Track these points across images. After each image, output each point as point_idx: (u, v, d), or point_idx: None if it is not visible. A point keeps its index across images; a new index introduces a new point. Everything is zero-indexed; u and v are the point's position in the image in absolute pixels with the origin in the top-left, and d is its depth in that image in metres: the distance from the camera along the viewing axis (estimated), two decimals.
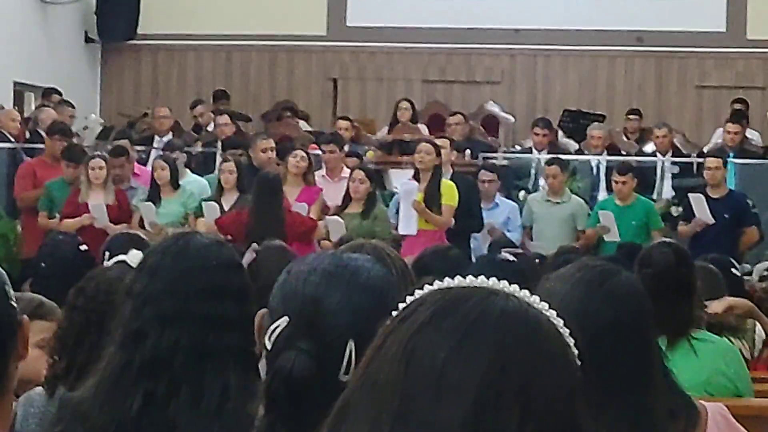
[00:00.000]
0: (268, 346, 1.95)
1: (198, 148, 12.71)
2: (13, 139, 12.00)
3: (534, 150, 12.48)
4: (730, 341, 4.65)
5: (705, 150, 12.69)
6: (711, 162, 10.49)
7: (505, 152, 12.86)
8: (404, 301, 1.34)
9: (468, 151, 11.77)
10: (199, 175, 11.06)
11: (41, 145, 11.38)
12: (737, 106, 13.76)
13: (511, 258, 4.89)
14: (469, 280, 1.33)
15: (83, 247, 6.07)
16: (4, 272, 1.91)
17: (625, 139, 13.59)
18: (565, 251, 6.55)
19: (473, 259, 8.19)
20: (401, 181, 10.56)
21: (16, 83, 14.29)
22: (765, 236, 10.44)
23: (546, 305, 1.31)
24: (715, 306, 4.42)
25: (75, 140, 11.65)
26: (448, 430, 1.22)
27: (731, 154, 11.48)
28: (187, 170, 10.96)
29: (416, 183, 9.55)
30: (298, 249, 6.52)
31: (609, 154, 12.34)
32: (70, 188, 10.19)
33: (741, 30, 15.04)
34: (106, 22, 15.60)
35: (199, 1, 15.88)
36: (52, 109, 12.66)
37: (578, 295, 2.38)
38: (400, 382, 1.25)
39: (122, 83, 16.25)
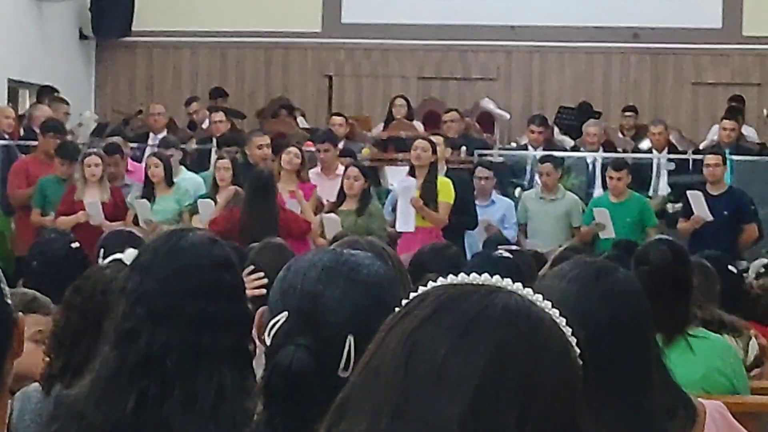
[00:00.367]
0: (268, 342, 1.94)
1: (193, 145, 12.70)
2: (7, 137, 11.99)
3: (530, 147, 12.48)
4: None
5: (701, 147, 12.70)
6: (710, 159, 10.48)
7: (500, 149, 12.86)
8: (405, 298, 1.33)
9: (463, 148, 11.77)
10: (194, 172, 11.05)
11: (35, 143, 11.36)
12: (733, 103, 13.76)
13: (506, 254, 4.89)
14: (472, 277, 1.32)
15: (75, 245, 6.05)
16: None
17: (620, 136, 13.59)
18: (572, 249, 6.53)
19: (468, 257, 8.20)
20: (397, 178, 10.56)
21: (10, 80, 14.27)
22: (765, 233, 10.43)
23: (549, 304, 1.31)
24: None
25: (69, 137, 11.64)
26: (447, 425, 1.21)
27: (727, 151, 11.48)
28: (182, 167, 10.95)
29: (413, 180, 9.55)
30: (292, 247, 6.50)
31: (605, 151, 12.34)
32: (65, 185, 10.17)
33: (737, 27, 15.04)
34: (101, 19, 15.58)
35: None
36: (47, 106, 12.64)
37: (575, 292, 2.37)
38: (400, 377, 1.24)
39: (117, 80, 16.23)
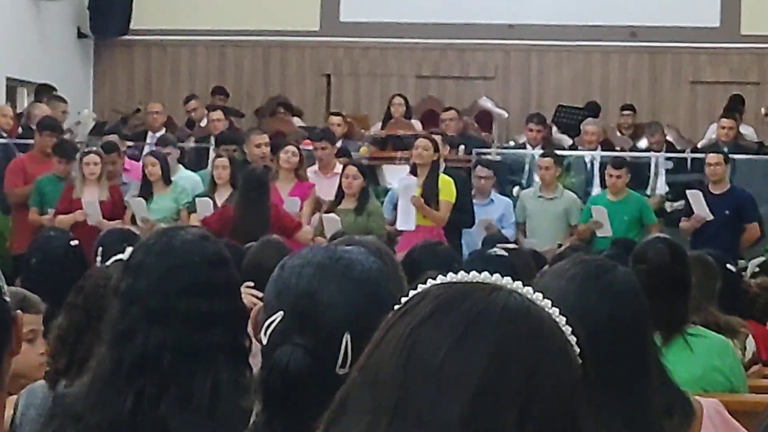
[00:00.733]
0: (264, 341, 1.94)
1: (191, 143, 12.70)
2: (5, 135, 11.98)
3: (528, 146, 12.48)
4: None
5: (699, 146, 12.69)
6: (712, 158, 10.46)
7: (498, 148, 12.85)
8: (402, 295, 1.33)
9: (461, 147, 11.77)
10: (192, 170, 11.05)
11: (33, 141, 11.34)
12: (732, 102, 13.76)
13: (502, 253, 4.89)
14: (472, 275, 1.32)
15: (74, 243, 6.04)
16: None
17: (619, 134, 13.59)
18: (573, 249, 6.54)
19: (465, 255, 8.19)
20: (395, 176, 10.56)
21: (8, 79, 14.26)
22: (765, 233, 10.41)
23: (548, 303, 1.31)
24: None
25: (68, 136, 11.63)
26: (447, 425, 1.21)
27: (725, 150, 11.47)
28: (180, 166, 10.94)
29: (415, 178, 9.54)
30: (292, 245, 6.50)
31: (603, 150, 12.33)
32: (63, 184, 10.16)
33: (735, 25, 15.04)
34: (99, 17, 15.57)
35: None
36: (45, 105, 12.63)
37: (574, 290, 2.37)
38: (400, 376, 1.24)
39: (115, 79, 16.22)
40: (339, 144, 11.63)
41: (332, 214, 9.46)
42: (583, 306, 2.29)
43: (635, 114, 14.06)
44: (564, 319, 1.31)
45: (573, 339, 1.30)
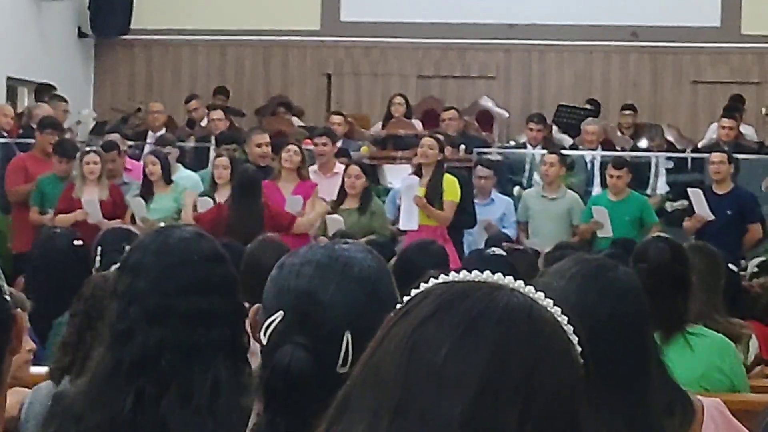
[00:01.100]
0: (264, 342, 1.93)
1: (191, 143, 12.69)
2: (6, 135, 11.98)
3: (528, 145, 12.47)
4: None
5: (699, 145, 12.69)
6: (716, 156, 10.43)
7: (499, 147, 12.85)
8: (404, 294, 1.33)
9: (462, 147, 11.77)
10: (193, 170, 11.04)
11: (34, 140, 11.34)
12: (732, 101, 13.76)
13: (501, 252, 4.89)
14: (474, 274, 1.32)
15: (78, 242, 6.04)
16: None
17: (619, 134, 13.59)
18: (561, 247, 6.53)
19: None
20: (396, 176, 10.55)
21: (9, 78, 14.27)
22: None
23: (551, 302, 1.30)
24: None
25: (68, 135, 11.63)
26: (448, 424, 1.21)
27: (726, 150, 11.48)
28: (180, 165, 10.93)
29: (417, 178, 9.53)
30: (293, 244, 6.51)
31: (603, 150, 12.33)
32: (63, 183, 10.16)
33: (736, 25, 15.05)
34: (100, 17, 15.58)
35: None
36: (46, 104, 12.63)
37: (575, 289, 2.36)
38: (402, 375, 1.24)
39: (116, 78, 16.22)
40: (339, 143, 11.63)
41: (335, 215, 9.46)
42: (583, 305, 2.29)
43: (636, 114, 14.06)
44: (565, 318, 1.30)
45: (575, 339, 1.30)
